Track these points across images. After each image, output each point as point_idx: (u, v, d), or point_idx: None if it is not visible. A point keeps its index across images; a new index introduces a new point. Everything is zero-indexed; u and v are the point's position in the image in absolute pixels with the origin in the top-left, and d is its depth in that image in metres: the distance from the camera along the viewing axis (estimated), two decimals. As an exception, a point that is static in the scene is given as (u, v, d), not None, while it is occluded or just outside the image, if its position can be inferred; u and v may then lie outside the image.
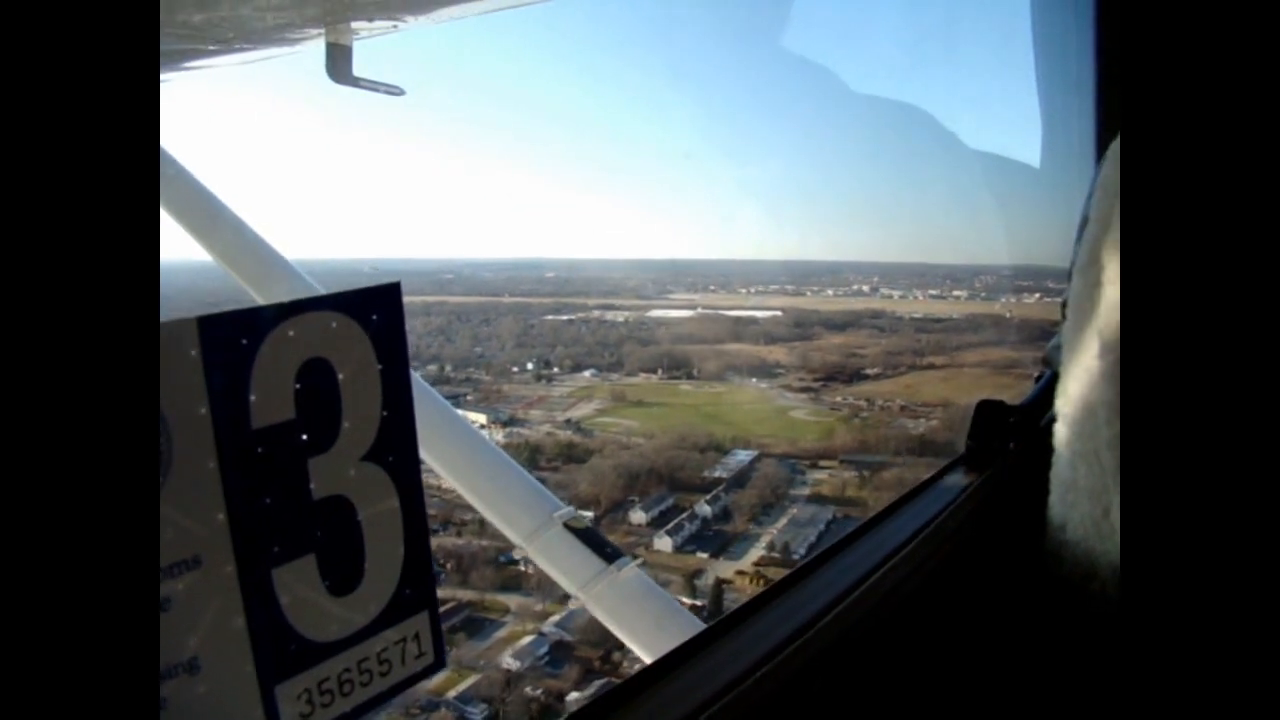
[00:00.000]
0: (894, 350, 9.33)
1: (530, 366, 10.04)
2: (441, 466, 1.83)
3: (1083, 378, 0.69)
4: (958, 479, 0.86)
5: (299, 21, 1.87)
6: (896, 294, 9.82)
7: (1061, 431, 0.72)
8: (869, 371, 9.34)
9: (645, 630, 1.65)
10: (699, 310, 10.39)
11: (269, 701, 0.25)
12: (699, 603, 6.60)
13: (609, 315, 10.39)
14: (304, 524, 0.25)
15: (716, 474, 8.60)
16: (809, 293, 10.27)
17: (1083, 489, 0.69)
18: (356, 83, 1.95)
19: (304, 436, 0.25)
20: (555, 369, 9.93)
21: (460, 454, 1.84)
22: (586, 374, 9.49)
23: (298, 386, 0.25)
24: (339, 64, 1.95)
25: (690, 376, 9.65)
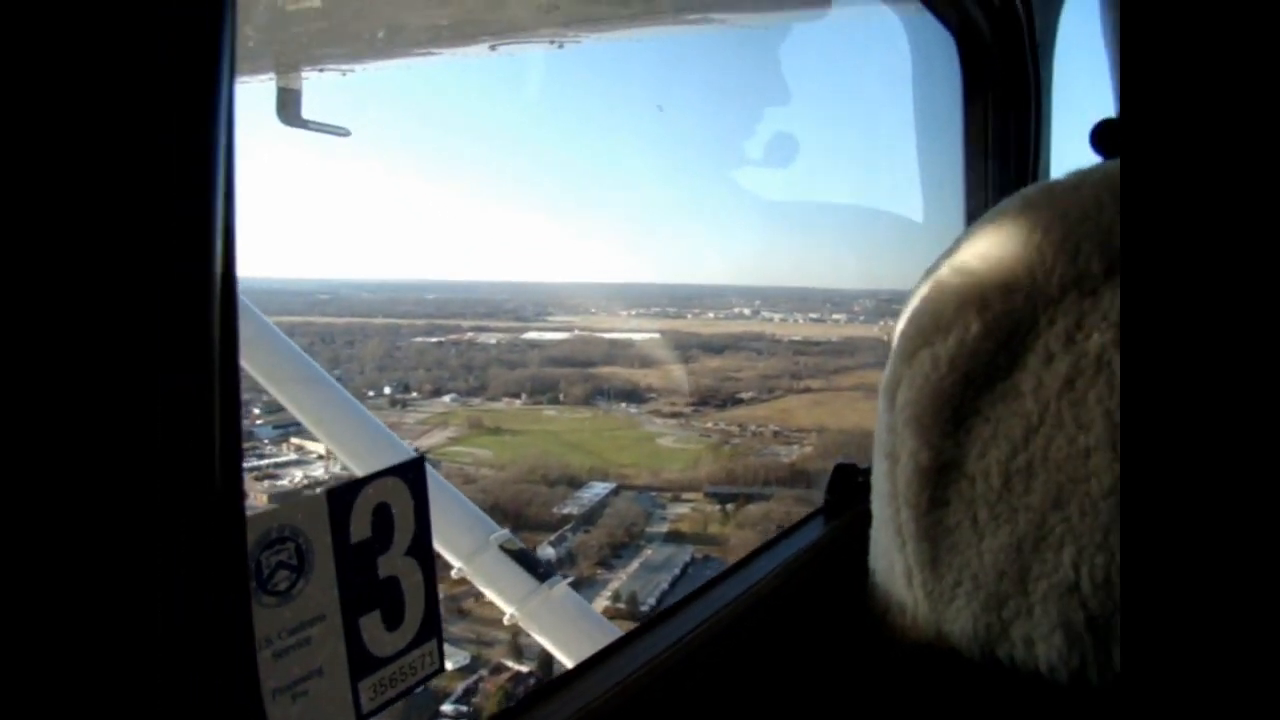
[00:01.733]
0: (770, 374, 9.16)
1: (388, 390, 9.22)
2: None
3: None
4: (816, 528, 1.02)
5: (249, 69, 1.94)
6: (778, 317, 9.84)
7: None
8: (743, 395, 9.07)
9: (574, 643, 1.84)
10: (575, 332, 10.17)
11: (355, 690, 0.46)
12: (524, 667, 5.72)
13: (482, 338, 10.02)
14: (375, 592, 0.47)
15: (567, 510, 7.80)
16: (690, 315, 10.16)
17: (878, 539, 0.78)
18: (305, 125, 2.02)
19: (375, 545, 0.47)
20: (414, 393, 9.41)
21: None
22: (446, 399, 9.06)
23: (373, 519, 0.47)
24: (289, 108, 2.01)
25: (556, 401, 9.21)
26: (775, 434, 8.48)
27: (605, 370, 9.75)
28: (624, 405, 9.27)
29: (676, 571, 6.93)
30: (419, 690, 0.51)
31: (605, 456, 8.61)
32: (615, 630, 1.98)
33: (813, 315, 9.75)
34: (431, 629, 0.50)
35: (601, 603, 6.48)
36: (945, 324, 0.68)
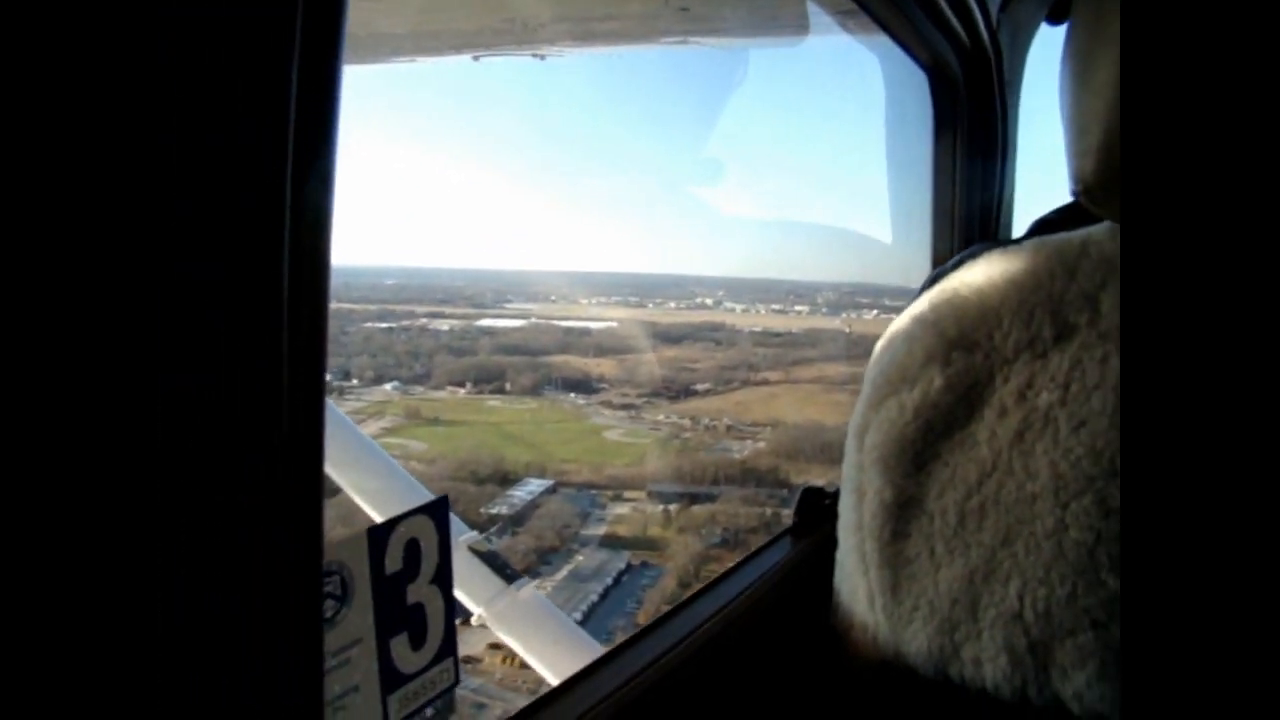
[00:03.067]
0: (728, 364, 8.72)
1: (327, 378, 8.66)
2: (359, 496, 1.94)
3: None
4: (784, 548, 1.08)
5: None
6: (739, 308, 9.47)
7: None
8: (699, 387, 8.64)
9: (541, 644, 1.90)
10: (532, 320, 9.78)
11: (385, 704, 0.52)
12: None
13: (434, 324, 9.56)
14: (403, 617, 0.53)
15: (496, 509, 7.12)
16: (650, 305, 9.73)
17: (843, 564, 0.85)
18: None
19: (406, 576, 0.53)
20: (354, 380, 8.77)
21: (377, 482, 1.95)
22: (387, 387, 8.57)
23: (404, 553, 0.52)
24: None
25: (502, 391, 8.72)
26: (729, 428, 8.19)
27: (558, 359, 9.38)
28: (572, 396, 8.94)
29: (609, 581, 6.16)
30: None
31: (546, 450, 8.17)
32: (582, 633, 2.03)
33: (775, 307, 9.51)
34: (449, 648, 0.56)
35: None
36: (911, 376, 0.76)
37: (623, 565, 6.52)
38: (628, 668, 0.75)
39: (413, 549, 0.53)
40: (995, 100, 1.65)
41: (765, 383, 8.62)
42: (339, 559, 0.49)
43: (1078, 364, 0.70)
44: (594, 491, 7.55)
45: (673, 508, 7.14)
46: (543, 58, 1.77)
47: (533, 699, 0.70)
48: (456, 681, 0.56)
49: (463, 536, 1.97)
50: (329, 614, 0.48)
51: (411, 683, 0.53)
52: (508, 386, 8.69)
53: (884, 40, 1.56)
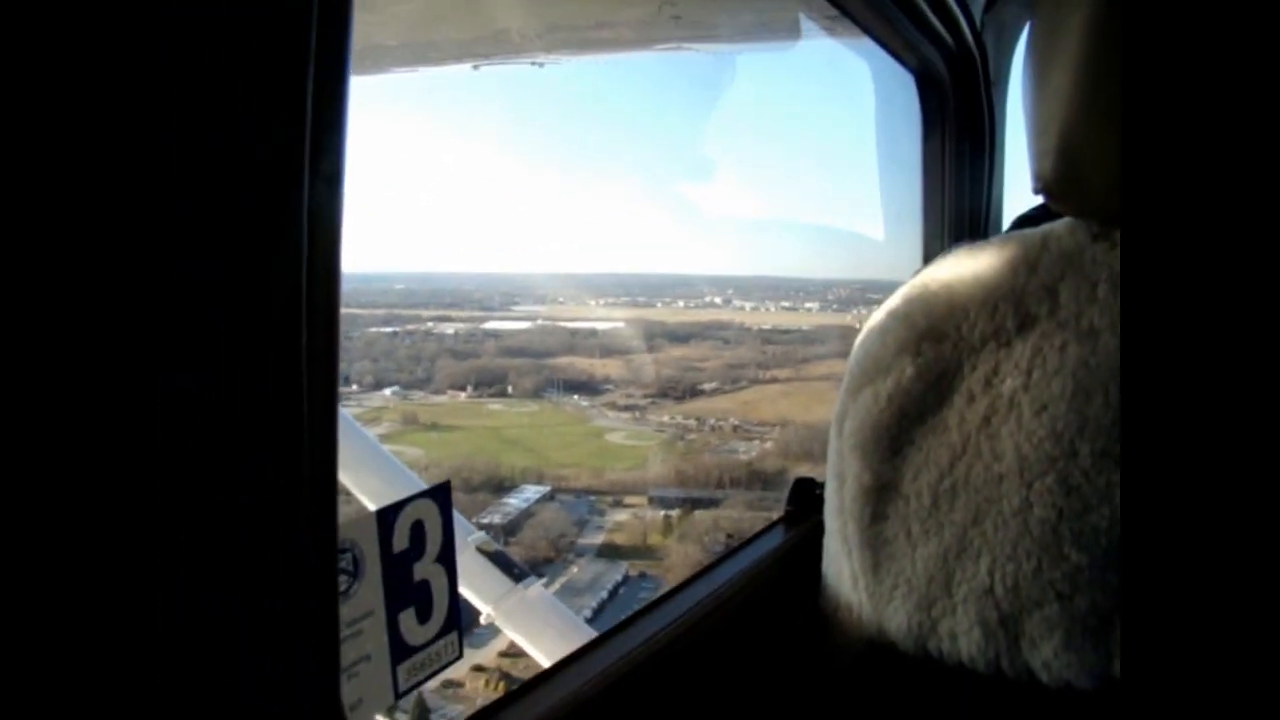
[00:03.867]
0: (736, 363, 8.44)
1: None
2: (365, 496, 1.93)
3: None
4: (778, 536, 1.12)
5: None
6: (749, 305, 9.18)
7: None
8: (705, 386, 8.31)
9: (549, 641, 1.92)
10: (539, 322, 9.40)
11: (394, 673, 0.56)
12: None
13: (440, 328, 9.15)
14: (410, 593, 0.57)
15: (489, 519, 6.60)
16: (659, 304, 9.34)
17: (829, 548, 0.89)
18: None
19: (412, 554, 0.57)
20: (354, 386, 8.26)
21: (383, 484, 1.97)
22: (386, 392, 8.28)
23: (411, 532, 0.57)
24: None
25: (504, 394, 8.40)
26: (735, 428, 7.80)
27: (562, 360, 8.90)
28: (575, 398, 8.52)
29: (604, 594, 5.80)
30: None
31: (546, 455, 7.80)
32: (589, 630, 2.04)
33: (784, 304, 9.13)
34: (453, 623, 0.60)
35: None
36: (885, 366, 0.80)
37: (620, 577, 6.15)
38: (621, 648, 0.79)
39: (418, 530, 0.57)
40: (982, 101, 1.69)
41: (774, 381, 8.36)
42: (351, 538, 0.53)
43: (1039, 352, 0.74)
44: (593, 497, 7.17)
45: (674, 513, 6.76)
46: (541, 65, 1.82)
47: (525, 680, 0.73)
48: (459, 656, 0.61)
49: (470, 537, 2.02)
50: (343, 588, 0.53)
51: (419, 654, 0.58)
52: (510, 389, 8.31)
53: (871, 44, 1.60)
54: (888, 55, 1.62)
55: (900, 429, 0.80)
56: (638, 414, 8.25)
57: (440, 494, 0.59)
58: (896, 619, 0.80)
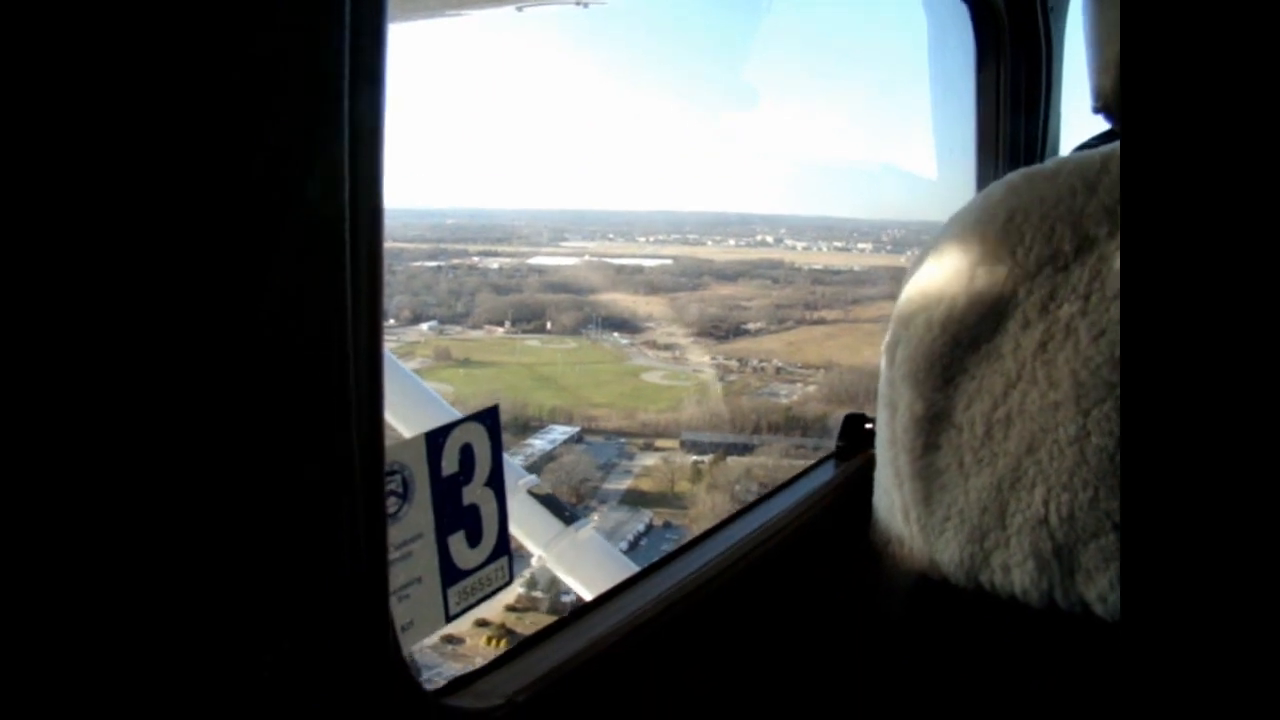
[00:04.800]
0: (783, 303, 8.05)
1: None
2: (406, 431, 1.97)
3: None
4: (828, 471, 1.10)
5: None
6: (800, 245, 8.98)
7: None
8: (750, 326, 7.94)
9: (600, 583, 1.88)
10: (585, 258, 9.19)
11: (445, 596, 0.56)
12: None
13: (485, 262, 8.90)
14: (460, 516, 0.56)
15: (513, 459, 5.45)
16: (710, 243, 9.21)
17: (880, 481, 0.89)
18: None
19: (461, 477, 0.56)
20: (391, 320, 7.86)
21: (426, 419, 1.98)
22: (424, 326, 8.04)
23: (460, 456, 0.56)
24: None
25: (542, 330, 8.04)
26: (778, 370, 7.61)
27: (605, 297, 8.82)
28: (615, 335, 8.41)
29: (624, 545, 5.34)
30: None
31: (579, 394, 7.61)
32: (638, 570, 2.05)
33: (837, 244, 9.11)
34: (503, 548, 0.59)
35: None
36: (938, 292, 0.77)
37: (642, 527, 5.97)
38: (673, 576, 0.78)
39: (467, 453, 0.56)
40: (1039, 27, 1.59)
41: (821, 321, 8.25)
42: (400, 460, 0.52)
43: (1097, 275, 0.71)
44: (623, 440, 7.01)
45: (706, 459, 6.54)
46: (585, 5, 1.75)
47: (571, 610, 0.73)
48: (510, 580, 0.60)
49: (521, 480, 2.03)
50: (393, 509, 0.52)
51: (469, 578, 0.57)
52: (548, 325, 8.27)
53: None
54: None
55: (953, 357, 0.78)
56: (677, 353, 8.20)
57: (489, 418, 0.57)
58: (948, 551, 0.79)
